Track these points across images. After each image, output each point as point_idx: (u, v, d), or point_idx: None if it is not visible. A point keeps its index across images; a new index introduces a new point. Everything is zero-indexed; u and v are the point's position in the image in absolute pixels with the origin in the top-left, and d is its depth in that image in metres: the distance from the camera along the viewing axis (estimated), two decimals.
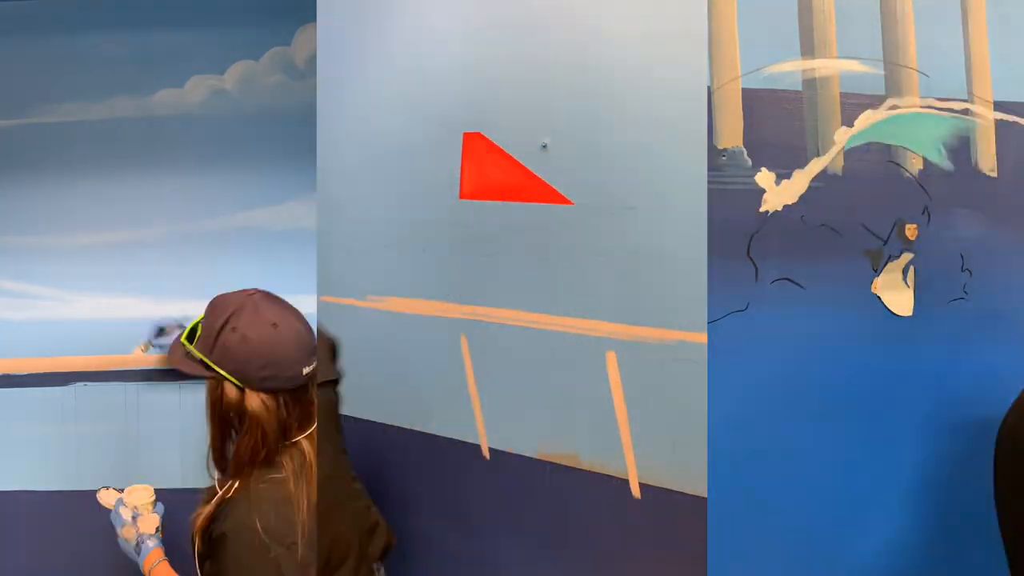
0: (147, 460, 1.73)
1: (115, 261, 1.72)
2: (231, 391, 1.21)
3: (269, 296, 1.27)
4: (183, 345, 1.28)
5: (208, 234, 1.72)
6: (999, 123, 1.29)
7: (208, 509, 1.22)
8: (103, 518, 1.62)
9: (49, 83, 1.72)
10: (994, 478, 1.13)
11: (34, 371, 1.71)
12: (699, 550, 1.28)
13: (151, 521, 1.33)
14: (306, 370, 1.19)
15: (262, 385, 1.19)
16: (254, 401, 1.19)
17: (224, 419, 1.22)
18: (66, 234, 1.73)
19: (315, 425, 1.21)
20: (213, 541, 1.21)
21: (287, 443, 1.22)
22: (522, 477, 1.57)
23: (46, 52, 1.73)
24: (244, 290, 1.29)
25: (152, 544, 1.31)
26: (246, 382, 1.20)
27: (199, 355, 1.23)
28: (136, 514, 1.35)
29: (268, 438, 1.19)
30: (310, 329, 1.24)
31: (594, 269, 1.45)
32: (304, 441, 1.23)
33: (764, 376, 1.30)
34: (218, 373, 1.22)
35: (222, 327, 1.23)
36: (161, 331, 1.52)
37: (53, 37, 1.72)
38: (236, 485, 1.21)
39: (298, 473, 1.19)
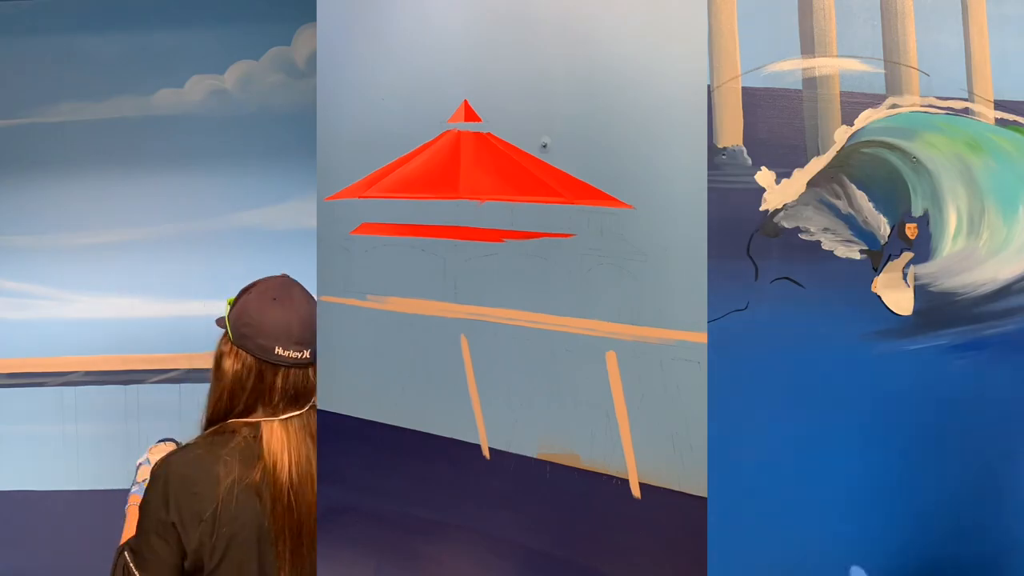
0: None
1: (115, 261, 1.72)
2: (224, 342, 1.27)
3: (293, 283, 1.34)
4: (227, 305, 1.34)
5: (208, 234, 1.72)
6: (999, 122, 1.29)
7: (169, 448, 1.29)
8: (102, 517, 1.63)
9: (49, 83, 1.73)
10: None
11: (34, 371, 1.72)
12: (699, 550, 1.28)
13: (144, 471, 1.35)
14: (279, 350, 1.21)
15: (239, 341, 1.24)
16: (229, 352, 1.24)
17: (215, 368, 1.27)
18: (66, 234, 1.73)
19: (284, 417, 1.22)
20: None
21: (249, 419, 1.23)
22: (522, 477, 1.56)
23: (46, 52, 1.73)
24: (284, 274, 1.37)
25: (134, 489, 1.33)
26: (231, 332, 1.26)
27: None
28: (147, 462, 1.38)
29: (227, 397, 1.22)
30: (304, 323, 1.27)
31: (594, 269, 1.45)
32: (266, 425, 1.23)
33: (764, 375, 1.29)
34: (226, 324, 1.28)
35: (245, 290, 1.32)
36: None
37: (53, 37, 1.73)
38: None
39: (235, 450, 1.21)
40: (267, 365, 1.22)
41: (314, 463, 1.24)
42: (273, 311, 1.26)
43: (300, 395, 1.24)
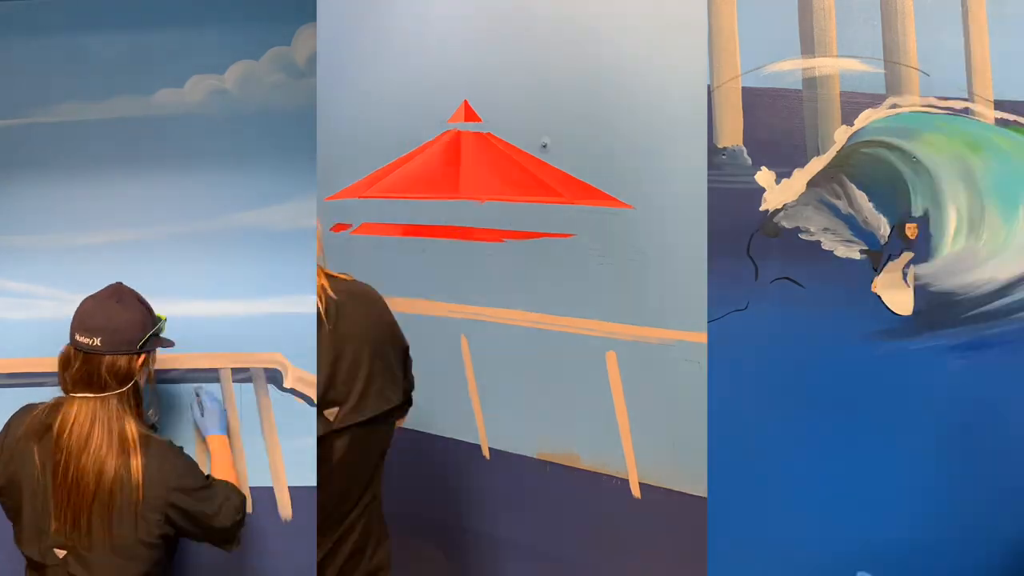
0: None
1: (115, 261, 1.71)
2: None
3: (118, 288, 1.51)
4: None
5: (208, 234, 1.71)
6: (999, 122, 1.29)
7: None
8: None
9: (49, 83, 1.72)
10: None
11: (34, 371, 1.71)
12: (699, 550, 1.28)
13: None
14: (76, 336, 1.42)
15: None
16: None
17: None
18: (66, 234, 1.72)
19: (77, 395, 1.41)
20: None
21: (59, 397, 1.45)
22: (522, 477, 1.57)
23: (46, 52, 1.72)
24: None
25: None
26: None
27: None
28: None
29: (59, 373, 1.45)
30: (104, 316, 1.44)
31: (594, 269, 1.45)
32: (65, 398, 1.43)
33: (764, 375, 1.29)
34: None
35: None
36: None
37: (53, 37, 1.72)
38: None
39: (39, 413, 1.44)
40: (71, 348, 1.43)
41: (98, 443, 1.40)
42: (84, 304, 1.46)
43: (92, 379, 1.41)
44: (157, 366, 1.64)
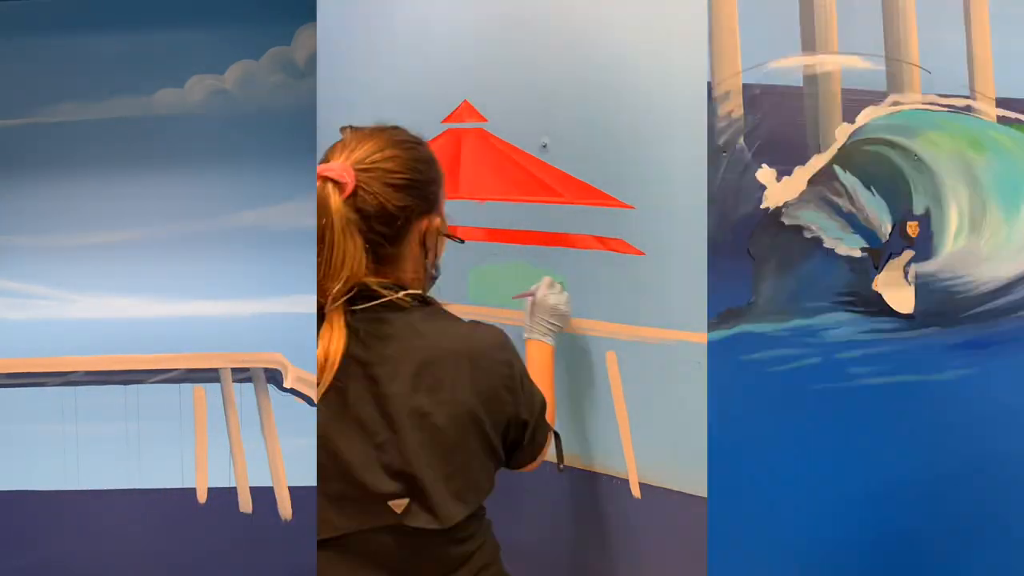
0: (147, 460, 1.73)
1: (115, 261, 1.72)
2: None
3: None
4: None
5: (208, 234, 1.72)
6: (1001, 119, 1.28)
7: None
8: (103, 518, 1.63)
9: (49, 83, 1.72)
10: None
11: (34, 371, 1.72)
12: (699, 550, 1.28)
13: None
14: None
15: None
16: None
17: None
18: (66, 234, 1.73)
19: None
20: None
21: None
22: (522, 477, 1.56)
23: (46, 52, 1.73)
24: None
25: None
26: None
27: None
28: None
29: None
30: None
31: (594, 269, 1.44)
32: None
33: (764, 375, 1.29)
34: None
35: None
36: None
37: (53, 37, 1.73)
38: None
39: None
40: None
41: None
42: None
43: None
44: (154, 367, 1.65)
